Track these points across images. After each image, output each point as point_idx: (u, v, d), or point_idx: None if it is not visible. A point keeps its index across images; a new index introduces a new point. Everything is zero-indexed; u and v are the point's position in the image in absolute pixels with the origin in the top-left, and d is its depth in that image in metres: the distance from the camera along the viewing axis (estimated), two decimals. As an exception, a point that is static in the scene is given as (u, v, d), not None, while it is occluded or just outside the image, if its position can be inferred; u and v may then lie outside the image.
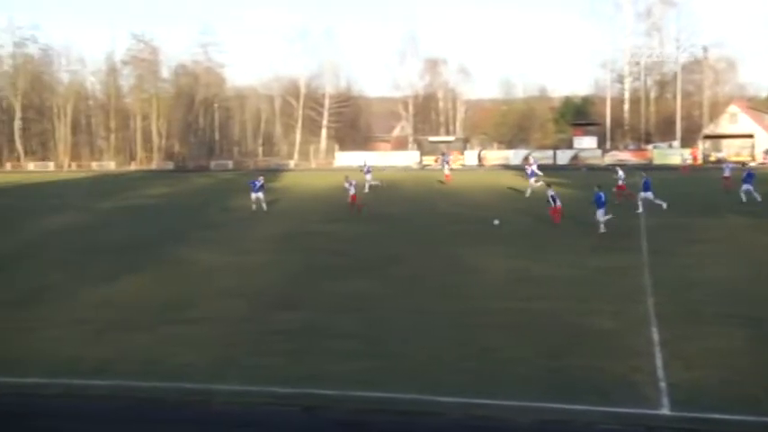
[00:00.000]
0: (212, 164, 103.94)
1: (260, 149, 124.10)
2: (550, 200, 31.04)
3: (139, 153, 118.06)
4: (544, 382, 12.10)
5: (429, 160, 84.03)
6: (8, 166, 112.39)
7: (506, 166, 74.06)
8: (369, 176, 51.64)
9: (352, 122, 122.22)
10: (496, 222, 30.61)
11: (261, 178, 39.73)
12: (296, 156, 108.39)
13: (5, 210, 43.06)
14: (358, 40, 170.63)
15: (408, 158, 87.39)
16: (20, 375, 12.63)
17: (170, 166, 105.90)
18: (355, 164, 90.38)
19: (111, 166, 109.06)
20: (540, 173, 48.68)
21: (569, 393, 11.46)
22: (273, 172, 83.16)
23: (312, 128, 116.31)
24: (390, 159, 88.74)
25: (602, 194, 28.94)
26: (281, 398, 11.66)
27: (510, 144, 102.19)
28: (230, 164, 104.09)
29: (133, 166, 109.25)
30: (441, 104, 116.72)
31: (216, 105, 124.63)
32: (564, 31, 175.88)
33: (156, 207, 42.99)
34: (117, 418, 11.40)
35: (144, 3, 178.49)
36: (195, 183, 69.16)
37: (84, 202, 46.13)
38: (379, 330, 15.16)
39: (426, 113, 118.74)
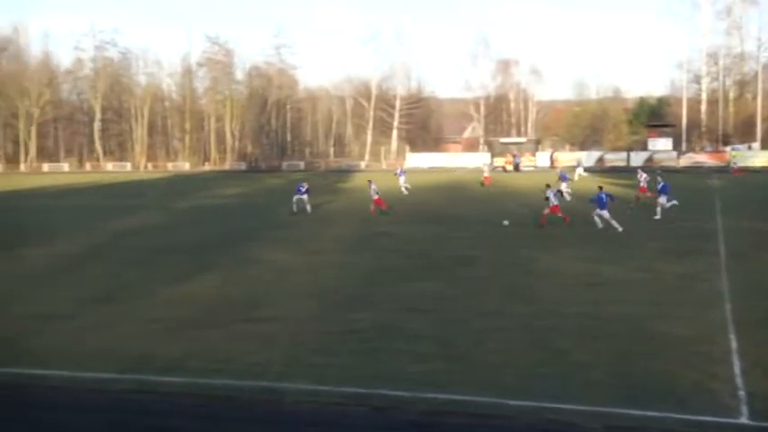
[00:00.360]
0: (284, 164, 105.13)
1: (331, 150, 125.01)
2: (551, 198, 31.54)
3: (213, 154, 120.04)
4: (616, 387, 11.83)
5: (500, 161, 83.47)
6: (88, 166, 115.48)
7: (577, 168, 72.94)
8: (402, 179, 52.11)
9: (423, 124, 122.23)
10: (506, 223, 31.65)
11: (305, 183, 40.06)
12: (367, 157, 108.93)
13: (85, 209, 44.20)
14: (429, 42, 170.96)
15: (479, 160, 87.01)
16: (95, 370, 12.89)
17: (243, 166, 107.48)
18: (426, 165, 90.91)
19: (185, 166, 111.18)
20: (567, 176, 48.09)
21: (642, 399, 11.17)
22: (344, 173, 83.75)
23: (383, 129, 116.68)
24: (461, 161, 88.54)
25: (603, 195, 29.76)
26: (351, 398, 11.62)
27: (582, 145, 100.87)
28: (302, 164, 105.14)
29: (207, 167, 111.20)
30: (512, 105, 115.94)
31: (288, 107, 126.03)
32: (639, 31, 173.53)
33: (229, 207, 43.62)
34: (188, 415, 11.52)
35: (219, 5, 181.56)
36: (267, 183, 70.05)
37: (159, 201, 47.11)
38: (450, 332, 15.05)
39: (497, 115, 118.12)
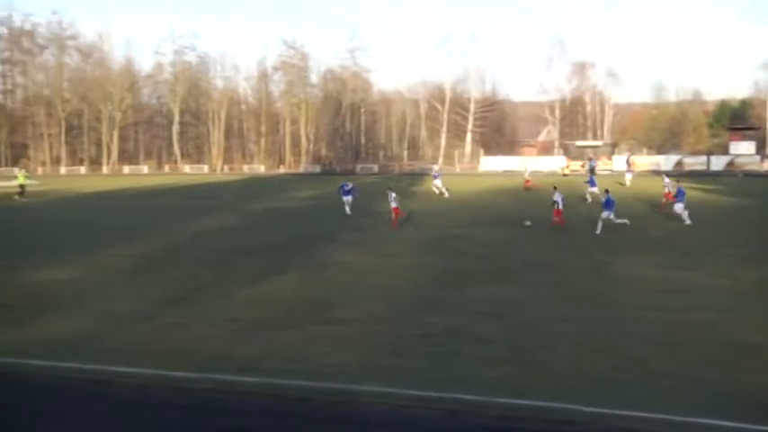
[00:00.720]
0: (358, 167, 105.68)
1: (405, 153, 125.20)
2: (558, 202, 32.40)
3: (288, 157, 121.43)
4: (693, 396, 11.64)
5: (576, 165, 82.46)
6: (166, 168, 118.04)
7: (656, 172, 71.61)
8: (437, 182, 51.98)
9: (498, 127, 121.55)
10: (528, 223, 32.22)
11: (350, 183, 40.86)
12: (440, 160, 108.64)
13: (164, 210, 45.24)
14: (504, 44, 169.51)
15: (554, 163, 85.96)
16: (172, 369, 13.23)
17: (317, 169, 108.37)
18: (500, 168, 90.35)
19: (260, 169, 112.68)
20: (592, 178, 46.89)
21: (720, 409, 10.98)
22: (418, 176, 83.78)
23: (457, 132, 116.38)
24: (536, 164, 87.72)
25: (610, 198, 30.77)
26: (423, 401, 11.70)
27: (660, 149, 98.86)
28: (375, 168, 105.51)
29: (282, 170, 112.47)
30: (588, 108, 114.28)
31: (362, 110, 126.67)
32: (721, 32, 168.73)
33: (304, 209, 44.10)
34: (263, 415, 11.76)
35: (295, 10, 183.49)
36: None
37: (235, 203, 47.89)
38: (523, 336, 15.01)
39: (573, 117, 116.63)
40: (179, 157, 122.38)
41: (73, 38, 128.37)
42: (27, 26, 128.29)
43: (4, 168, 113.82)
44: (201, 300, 19.08)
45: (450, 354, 13.95)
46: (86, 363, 13.53)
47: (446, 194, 49.51)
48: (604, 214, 29.96)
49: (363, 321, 16.45)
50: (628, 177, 59.23)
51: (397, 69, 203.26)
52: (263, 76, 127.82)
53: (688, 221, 31.87)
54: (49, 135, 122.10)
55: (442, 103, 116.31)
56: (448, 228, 33.33)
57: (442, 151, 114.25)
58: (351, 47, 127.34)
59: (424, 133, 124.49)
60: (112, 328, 16.16)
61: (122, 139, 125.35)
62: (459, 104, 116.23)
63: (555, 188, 33.30)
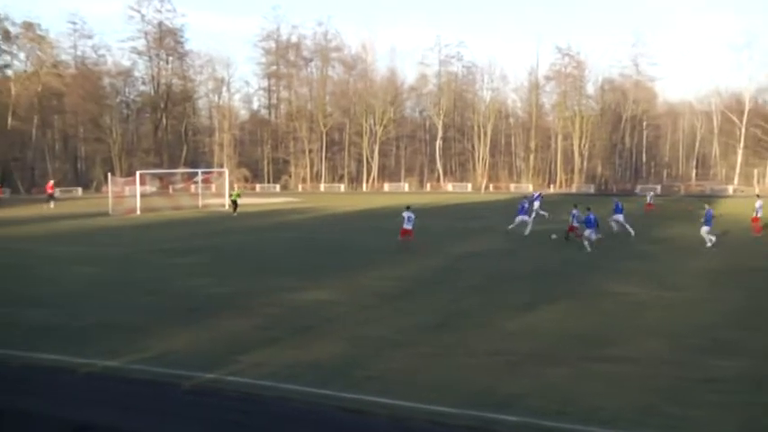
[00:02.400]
0: (638, 188, 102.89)
1: (693, 172, 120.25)
2: (571, 218, 38.03)
3: (559, 175, 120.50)
4: None
5: None
6: (428, 186, 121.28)
7: None
8: (537, 204, 50.56)
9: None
10: (554, 237, 34.70)
11: (537, 192, 42.19)
12: (736, 180, 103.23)
13: (425, 231, 46.43)
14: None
15: None
16: (431, 403, 13.38)
17: (591, 189, 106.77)
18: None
19: (529, 188, 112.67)
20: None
21: None
22: (708, 197, 79.99)
23: (757, 149, 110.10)
24: None
25: (591, 217, 35.06)
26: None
27: None
28: (658, 188, 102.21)
29: (552, 189, 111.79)
30: None
31: (645, 123, 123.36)
32: None
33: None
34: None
35: (570, 13, 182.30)
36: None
37: (500, 224, 48.12)
38: (840, 391, 13.74)
39: None
40: (441, 175, 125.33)
41: (337, 49, 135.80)
42: (294, 39, 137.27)
43: (267, 185, 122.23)
44: (462, 327, 19.22)
45: (746, 404, 13.02)
46: (342, 390, 14.02)
47: (545, 215, 49.20)
48: (586, 232, 34.87)
49: (642, 361, 15.80)
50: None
51: (687, 78, 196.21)
52: (534, 87, 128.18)
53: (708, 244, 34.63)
54: (310, 151, 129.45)
55: (740, 114, 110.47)
56: (750, 258, 31.62)
57: (737, 170, 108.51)
58: (633, 53, 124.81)
59: (716, 149, 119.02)
60: (371, 354, 16.65)
61: (383, 154, 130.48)
62: (762, 116, 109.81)
63: (575, 205, 32.82)
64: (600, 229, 36.26)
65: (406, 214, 35.67)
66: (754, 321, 19.65)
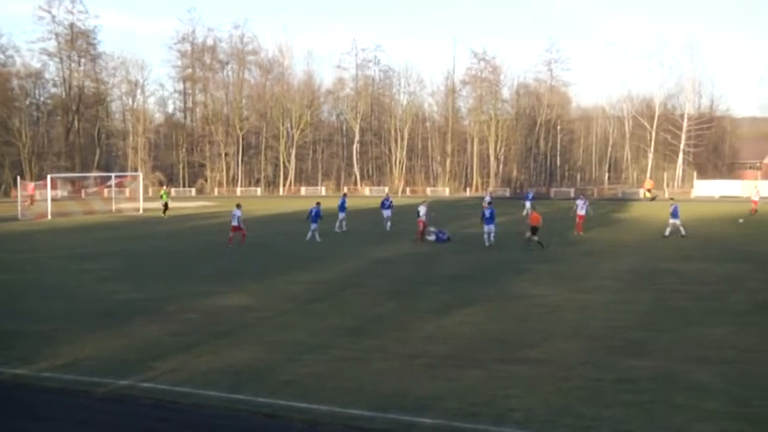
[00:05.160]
0: (552, 191, 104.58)
1: (606, 176, 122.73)
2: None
3: (475, 179, 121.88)
4: None
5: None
6: (345, 189, 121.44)
7: None
8: (528, 204, 52.86)
9: (715, 147, 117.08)
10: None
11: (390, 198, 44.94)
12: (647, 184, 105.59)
13: (340, 234, 46.40)
14: (725, 53, 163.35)
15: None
16: (347, 406, 13.39)
17: (506, 193, 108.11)
18: (716, 193, 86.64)
19: (445, 192, 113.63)
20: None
21: None
22: (620, 201, 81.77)
23: (667, 152, 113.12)
24: (761, 189, 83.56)
25: (486, 211, 38.90)
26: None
27: None
28: (572, 192, 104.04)
29: (467, 193, 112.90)
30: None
31: (559, 128, 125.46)
32: None
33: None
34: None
35: (486, 19, 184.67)
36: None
37: (417, 228, 48.37)
38: (746, 388, 14.13)
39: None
40: (359, 178, 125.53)
41: (254, 52, 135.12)
42: (209, 41, 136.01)
43: (182, 189, 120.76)
44: (379, 331, 19.28)
45: (657, 403, 13.33)
46: (258, 395, 13.93)
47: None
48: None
49: (557, 362, 16.05)
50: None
51: (599, 83, 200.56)
52: (450, 91, 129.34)
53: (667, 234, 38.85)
54: (226, 155, 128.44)
55: (651, 120, 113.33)
56: (656, 260, 32.36)
57: (648, 174, 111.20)
58: (547, 58, 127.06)
59: (628, 154, 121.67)
60: (289, 359, 16.57)
61: (300, 158, 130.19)
62: (671, 121, 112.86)
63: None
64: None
65: (422, 208, 39.99)
66: (663, 322, 20.12)
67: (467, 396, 13.79)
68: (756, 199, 59.18)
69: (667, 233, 42.38)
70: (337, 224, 46.92)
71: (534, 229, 37.70)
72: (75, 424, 13.02)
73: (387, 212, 44.54)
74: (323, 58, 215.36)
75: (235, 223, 38.25)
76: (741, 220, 51.99)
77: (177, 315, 21.48)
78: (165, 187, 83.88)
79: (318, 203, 42.37)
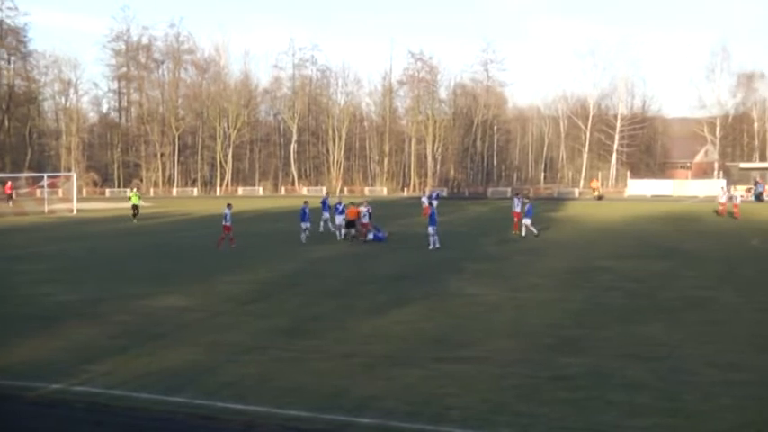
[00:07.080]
0: (489, 191, 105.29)
1: (542, 176, 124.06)
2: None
3: (413, 178, 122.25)
4: None
5: (740, 190, 79.63)
6: (282, 190, 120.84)
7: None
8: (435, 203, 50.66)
9: (647, 146, 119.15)
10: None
11: (336, 200, 46.38)
12: (582, 183, 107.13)
13: (281, 235, 46.20)
14: (657, 54, 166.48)
15: (713, 188, 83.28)
16: (289, 408, 13.34)
17: (444, 192, 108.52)
18: (649, 192, 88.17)
19: (383, 191, 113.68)
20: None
21: None
22: (556, 200, 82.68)
23: (601, 152, 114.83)
24: (691, 188, 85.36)
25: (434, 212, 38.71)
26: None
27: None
28: (509, 191, 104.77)
29: (405, 193, 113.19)
30: (755, 126, 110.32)
31: (495, 128, 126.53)
32: None
33: (428, 236, 44.11)
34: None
35: (423, 19, 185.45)
36: (471, 211, 70.43)
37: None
38: (675, 383, 14.41)
39: (736, 136, 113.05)
40: (296, 178, 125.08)
41: (190, 52, 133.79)
42: (144, 40, 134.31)
43: (117, 189, 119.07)
44: (317, 332, 19.24)
45: (591, 399, 13.51)
46: (195, 397, 13.81)
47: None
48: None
49: (493, 361, 16.19)
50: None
51: (535, 83, 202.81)
52: (388, 92, 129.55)
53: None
54: (162, 155, 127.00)
55: (585, 120, 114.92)
56: (592, 258, 32.80)
57: (583, 173, 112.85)
58: (483, 59, 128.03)
59: (563, 154, 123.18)
60: (228, 360, 16.46)
61: (237, 158, 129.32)
62: (605, 122, 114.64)
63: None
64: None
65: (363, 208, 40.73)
66: (597, 319, 20.41)
67: (405, 395, 13.83)
68: (724, 200, 58.05)
69: (524, 233, 42.29)
70: (321, 224, 47.24)
71: (351, 223, 41.13)
72: (3, 430, 12.77)
73: (339, 218, 43.48)
74: (260, 58, 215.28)
75: (227, 223, 38.50)
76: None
77: (113, 317, 21.21)
78: (134, 189, 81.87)
79: (306, 202, 43.10)
